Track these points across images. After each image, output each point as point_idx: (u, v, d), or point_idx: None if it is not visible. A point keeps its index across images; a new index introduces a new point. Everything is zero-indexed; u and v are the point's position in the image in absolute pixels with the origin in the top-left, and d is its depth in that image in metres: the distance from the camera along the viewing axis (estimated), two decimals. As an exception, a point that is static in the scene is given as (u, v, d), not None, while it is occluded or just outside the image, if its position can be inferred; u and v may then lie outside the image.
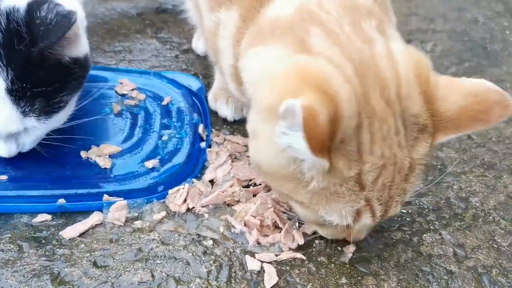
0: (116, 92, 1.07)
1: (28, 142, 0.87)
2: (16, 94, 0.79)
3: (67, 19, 0.77)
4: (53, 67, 0.82)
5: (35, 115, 0.81)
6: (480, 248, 0.87)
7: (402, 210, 0.91)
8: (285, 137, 0.60)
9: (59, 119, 0.86)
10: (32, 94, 0.79)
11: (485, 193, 0.97)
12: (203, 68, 1.22)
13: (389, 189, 0.67)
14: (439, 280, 0.81)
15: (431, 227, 0.90)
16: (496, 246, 0.88)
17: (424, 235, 0.89)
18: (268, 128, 0.64)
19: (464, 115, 0.65)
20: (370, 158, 0.64)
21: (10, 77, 0.78)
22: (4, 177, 0.88)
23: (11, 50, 0.78)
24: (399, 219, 0.91)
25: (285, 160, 0.65)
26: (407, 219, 0.91)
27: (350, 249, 0.84)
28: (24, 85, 0.78)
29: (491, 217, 0.93)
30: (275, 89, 0.65)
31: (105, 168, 0.91)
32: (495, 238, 0.89)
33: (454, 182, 0.99)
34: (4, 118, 0.80)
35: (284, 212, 0.86)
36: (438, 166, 1.02)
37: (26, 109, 0.80)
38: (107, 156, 0.93)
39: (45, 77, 0.81)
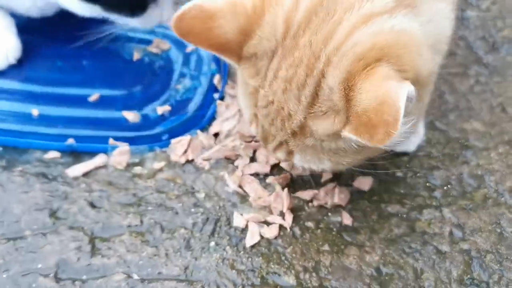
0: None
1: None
2: None
3: None
4: None
5: None
6: (481, 231, 0.83)
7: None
8: None
9: None
10: None
11: (503, 173, 0.91)
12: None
13: (271, 124, 0.65)
14: (425, 259, 0.79)
15: (433, 203, 0.86)
16: (499, 231, 0.83)
17: (424, 210, 0.85)
18: None
19: (363, 118, 0.55)
20: (266, 87, 0.63)
21: None
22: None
23: None
24: (402, 191, 0.88)
25: None
26: (411, 192, 0.88)
27: (342, 217, 0.83)
28: None
29: (502, 199, 0.87)
30: None
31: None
32: (501, 222, 0.84)
33: (472, 157, 0.94)
34: None
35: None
36: (460, 139, 0.97)
37: None
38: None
39: None
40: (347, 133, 0.57)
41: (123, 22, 0.91)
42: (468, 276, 0.78)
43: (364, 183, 0.88)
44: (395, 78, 0.56)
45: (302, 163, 0.68)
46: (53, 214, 0.82)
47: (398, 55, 0.57)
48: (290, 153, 0.67)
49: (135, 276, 0.75)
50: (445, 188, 0.89)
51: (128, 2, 0.88)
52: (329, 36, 0.59)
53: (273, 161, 0.88)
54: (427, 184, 0.89)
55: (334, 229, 0.82)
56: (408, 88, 0.54)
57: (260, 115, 0.66)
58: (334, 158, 0.65)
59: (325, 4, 0.60)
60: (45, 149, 0.90)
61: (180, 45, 1.06)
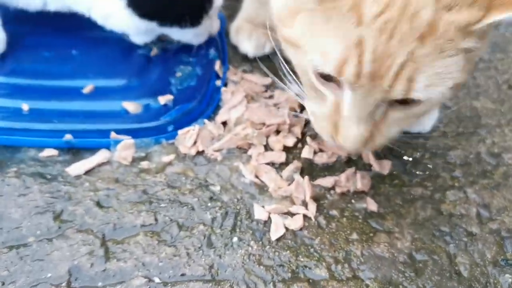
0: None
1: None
2: None
3: None
4: None
5: None
6: (507, 209, 0.81)
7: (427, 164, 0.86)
8: None
9: None
10: None
11: (521, 150, 0.90)
12: (227, -2, 1.14)
13: (391, 37, 0.53)
14: (457, 242, 0.76)
15: (456, 184, 0.84)
16: (525, 208, 0.81)
17: (447, 192, 0.83)
18: None
19: None
20: None
21: None
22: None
23: None
24: (421, 173, 0.85)
25: None
26: (431, 174, 0.85)
27: (367, 203, 0.79)
28: None
29: (523, 176, 0.86)
30: None
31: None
32: (525, 199, 0.82)
33: (487, 135, 0.92)
34: None
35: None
36: (472, 117, 0.94)
37: None
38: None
39: None
40: (504, 15, 0.52)
41: (178, 37, 0.92)
42: (502, 256, 0.75)
43: (384, 166, 0.85)
44: None
45: (427, 87, 0.56)
46: (57, 217, 0.75)
47: None
48: (411, 79, 0.55)
49: (157, 280, 0.69)
50: (465, 168, 0.86)
51: (187, 12, 0.86)
52: None
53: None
54: (447, 164, 0.87)
55: (360, 217, 0.78)
56: None
57: (374, 30, 0.53)
58: (466, 64, 0.57)
59: None
60: (40, 147, 0.83)
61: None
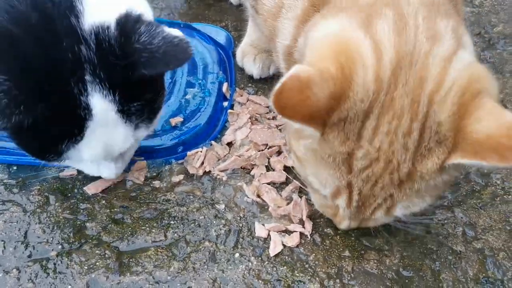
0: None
1: (130, 154, 0.86)
2: (127, 112, 0.73)
3: (184, 50, 0.69)
4: (151, 79, 0.75)
5: (144, 124, 0.77)
6: (492, 229, 0.87)
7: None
8: None
9: (157, 121, 0.82)
10: (138, 107, 0.74)
11: (509, 170, 0.95)
12: (235, 19, 1.21)
13: (374, 185, 0.65)
14: (443, 260, 0.83)
15: (445, 203, 0.90)
16: (509, 228, 0.87)
17: (436, 211, 0.89)
18: None
19: (487, 144, 0.59)
20: (366, 146, 0.63)
21: (117, 98, 0.70)
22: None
23: (109, 71, 0.69)
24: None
25: None
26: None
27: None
28: (130, 101, 0.72)
29: (510, 196, 0.91)
30: (312, 50, 0.67)
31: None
32: (510, 219, 0.88)
33: (478, 156, 0.97)
34: (121, 138, 0.75)
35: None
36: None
37: (137, 122, 0.75)
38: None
39: (145, 88, 0.74)
40: (459, 160, 0.61)
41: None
42: (484, 275, 0.81)
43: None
44: (501, 107, 0.62)
45: (403, 211, 0.69)
46: (76, 232, 0.83)
47: (487, 86, 0.63)
48: (390, 208, 0.68)
49: (165, 292, 0.77)
50: (454, 187, 0.92)
51: None
52: (422, 81, 0.62)
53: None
54: (437, 184, 0.92)
55: (353, 235, 0.85)
56: None
57: (359, 179, 0.65)
58: (434, 192, 0.68)
59: (404, 57, 0.62)
60: (61, 167, 0.91)
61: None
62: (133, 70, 0.69)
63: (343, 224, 0.75)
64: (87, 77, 0.68)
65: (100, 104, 0.70)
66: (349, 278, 0.80)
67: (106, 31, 0.68)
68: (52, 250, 0.81)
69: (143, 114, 0.75)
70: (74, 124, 0.70)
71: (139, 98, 0.73)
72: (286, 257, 0.82)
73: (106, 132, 0.73)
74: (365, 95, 0.61)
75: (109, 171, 0.83)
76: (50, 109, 0.67)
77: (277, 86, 0.58)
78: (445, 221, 0.87)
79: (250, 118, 0.98)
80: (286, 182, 0.91)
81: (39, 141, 0.72)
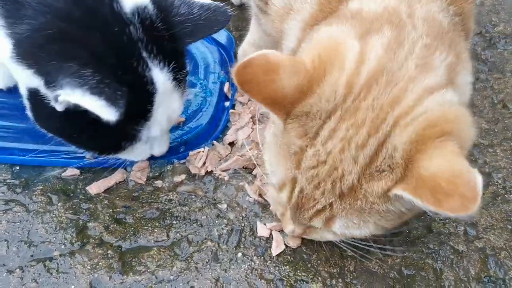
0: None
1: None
2: (178, 80, 0.78)
3: (223, 12, 0.78)
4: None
5: (185, 92, 0.82)
6: (493, 228, 0.87)
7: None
8: None
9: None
10: (184, 74, 0.80)
11: (509, 170, 0.95)
12: (236, 19, 1.21)
13: (316, 187, 0.64)
14: (444, 259, 0.83)
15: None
16: (510, 227, 0.87)
17: (438, 211, 0.89)
18: None
19: (428, 183, 0.57)
20: (319, 146, 0.63)
21: (171, 68, 0.76)
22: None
23: (159, 44, 0.74)
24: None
25: None
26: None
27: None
28: (180, 69, 0.78)
29: (511, 196, 0.91)
30: (305, 44, 0.70)
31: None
32: (511, 219, 0.88)
33: (479, 155, 0.97)
34: (178, 105, 0.80)
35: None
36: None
37: (183, 90, 0.81)
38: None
39: (186, 58, 0.82)
40: (401, 191, 0.59)
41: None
42: (485, 274, 0.82)
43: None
44: (463, 157, 0.59)
45: (343, 229, 0.67)
46: (79, 232, 0.83)
47: (459, 131, 0.61)
48: (330, 219, 0.66)
49: (168, 291, 0.77)
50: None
51: None
52: (395, 102, 0.61)
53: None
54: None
55: (355, 234, 0.85)
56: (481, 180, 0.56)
57: (304, 177, 0.64)
58: (380, 222, 0.65)
59: (385, 74, 0.62)
60: (64, 166, 0.91)
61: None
62: (180, 40, 0.76)
63: (288, 228, 0.74)
64: (144, 54, 0.72)
65: (161, 76, 0.74)
66: (351, 277, 0.80)
67: (145, 10, 0.74)
68: (55, 250, 0.81)
69: (185, 82, 0.81)
70: (148, 101, 0.75)
71: (185, 66, 0.80)
72: (289, 257, 0.82)
73: (167, 102, 0.77)
74: (331, 96, 0.62)
75: (163, 146, 0.86)
76: (132, 92, 0.70)
77: (244, 59, 0.60)
78: (447, 220, 0.88)
79: (251, 117, 0.98)
80: (288, 182, 0.91)
81: (121, 129, 0.74)
